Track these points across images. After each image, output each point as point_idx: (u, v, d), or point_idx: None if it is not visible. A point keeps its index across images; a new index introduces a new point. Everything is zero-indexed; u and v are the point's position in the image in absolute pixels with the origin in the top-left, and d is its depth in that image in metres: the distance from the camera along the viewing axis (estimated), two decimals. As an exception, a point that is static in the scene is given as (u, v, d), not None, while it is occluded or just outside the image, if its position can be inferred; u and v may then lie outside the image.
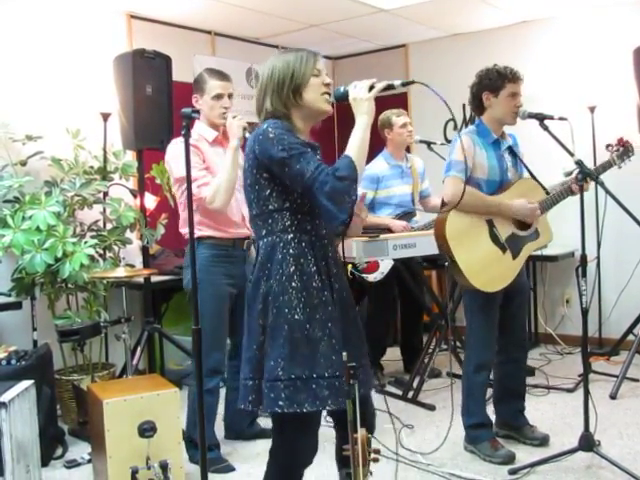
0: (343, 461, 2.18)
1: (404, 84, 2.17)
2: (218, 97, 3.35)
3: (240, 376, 2.21)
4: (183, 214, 3.35)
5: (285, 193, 2.14)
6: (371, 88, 2.14)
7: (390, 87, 2.17)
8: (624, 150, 3.46)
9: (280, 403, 2.05)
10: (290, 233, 2.14)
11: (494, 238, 3.27)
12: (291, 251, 2.13)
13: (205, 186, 3.23)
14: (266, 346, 2.11)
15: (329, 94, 2.21)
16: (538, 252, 3.51)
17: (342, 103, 2.22)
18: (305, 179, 2.05)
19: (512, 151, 3.44)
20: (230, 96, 3.39)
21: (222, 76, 3.38)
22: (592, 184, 3.28)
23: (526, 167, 3.47)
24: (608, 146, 3.51)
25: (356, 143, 2.12)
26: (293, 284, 2.10)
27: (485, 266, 3.22)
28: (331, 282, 2.18)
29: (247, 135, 3.19)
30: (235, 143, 3.23)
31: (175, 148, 3.31)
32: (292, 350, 2.07)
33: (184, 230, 3.32)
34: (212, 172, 3.31)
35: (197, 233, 3.28)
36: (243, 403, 2.17)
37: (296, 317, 2.09)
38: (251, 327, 2.18)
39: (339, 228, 2.24)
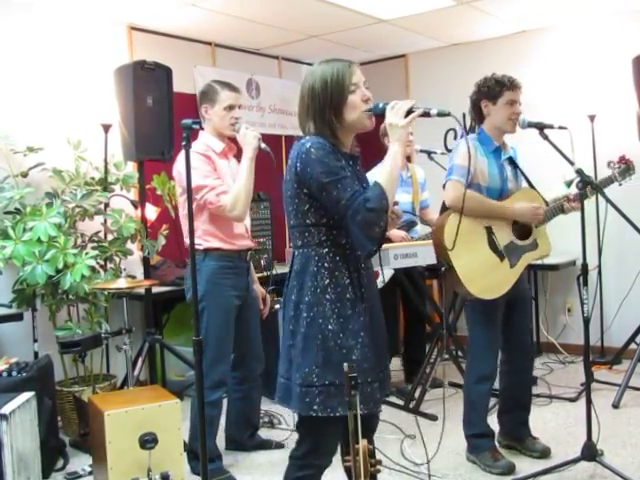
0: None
1: (440, 114, 2.15)
2: (230, 108, 3.37)
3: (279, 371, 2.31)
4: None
5: (323, 210, 2.18)
6: (408, 112, 2.13)
7: (426, 114, 2.16)
8: (625, 167, 3.49)
9: (315, 407, 2.15)
10: (325, 247, 2.19)
11: (492, 245, 3.26)
12: (326, 265, 2.18)
13: (224, 194, 3.23)
14: (296, 352, 2.20)
15: (369, 109, 2.19)
16: (539, 261, 3.51)
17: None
18: (340, 206, 2.11)
19: (512, 162, 3.44)
20: (240, 107, 3.44)
21: (233, 88, 3.44)
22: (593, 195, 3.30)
23: (526, 178, 3.47)
24: (610, 163, 3.54)
25: (388, 171, 2.14)
26: (327, 296, 2.17)
27: (483, 273, 3.21)
28: (362, 293, 2.23)
29: (262, 145, 3.22)
30: (251, 153, 3.24)
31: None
32: (326, 358, 2.15)
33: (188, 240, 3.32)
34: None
35: (204, 244, 3.30)
36: (275, 396, 2.30)
37: (330, 327, 2.16)
38: (284, 330, 2.28)
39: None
